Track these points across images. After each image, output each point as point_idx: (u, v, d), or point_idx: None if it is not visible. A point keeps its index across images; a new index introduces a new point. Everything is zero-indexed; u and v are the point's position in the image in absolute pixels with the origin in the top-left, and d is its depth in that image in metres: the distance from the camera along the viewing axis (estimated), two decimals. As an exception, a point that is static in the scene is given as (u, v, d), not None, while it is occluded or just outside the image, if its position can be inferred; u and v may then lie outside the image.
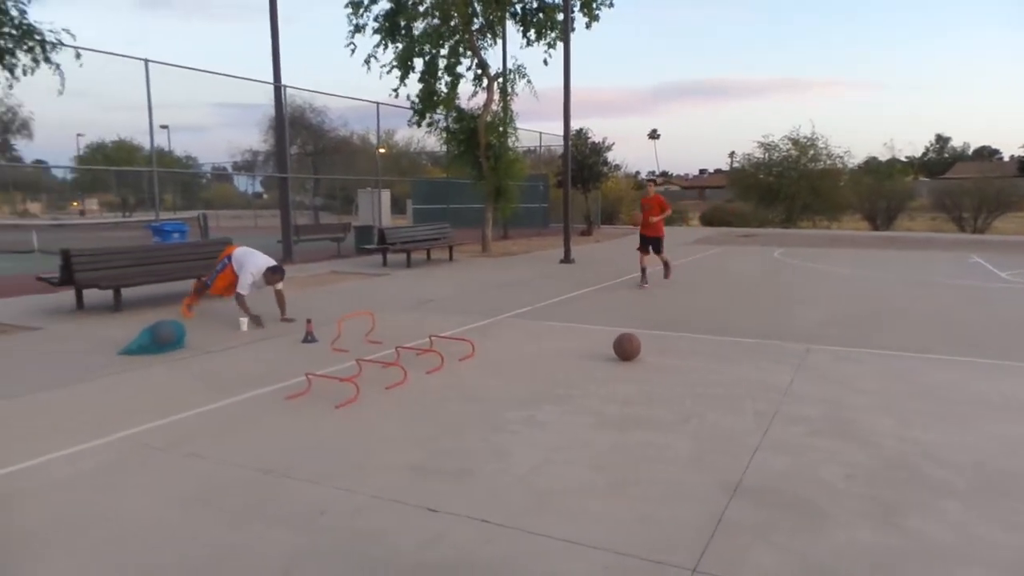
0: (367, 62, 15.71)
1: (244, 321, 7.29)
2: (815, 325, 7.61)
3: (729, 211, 34.88)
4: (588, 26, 16.26)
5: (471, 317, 8.06)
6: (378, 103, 18.02)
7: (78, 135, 37.40)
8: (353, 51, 15.64)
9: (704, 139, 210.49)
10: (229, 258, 7.58)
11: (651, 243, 10.93)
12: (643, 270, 10.80)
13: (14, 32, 7.12)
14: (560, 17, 15.74)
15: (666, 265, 11.31)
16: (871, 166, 39.20)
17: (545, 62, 16.56)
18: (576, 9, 15.61)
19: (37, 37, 7.34)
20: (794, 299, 9.51)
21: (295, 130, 28.29)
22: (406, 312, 8.50)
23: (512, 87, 17.01)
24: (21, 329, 7.39)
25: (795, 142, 34.45)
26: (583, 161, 23.51)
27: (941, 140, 79.06)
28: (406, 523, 3.04)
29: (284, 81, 14.76)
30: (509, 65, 17.16)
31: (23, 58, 7.35)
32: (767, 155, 35.09)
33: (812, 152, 34.20)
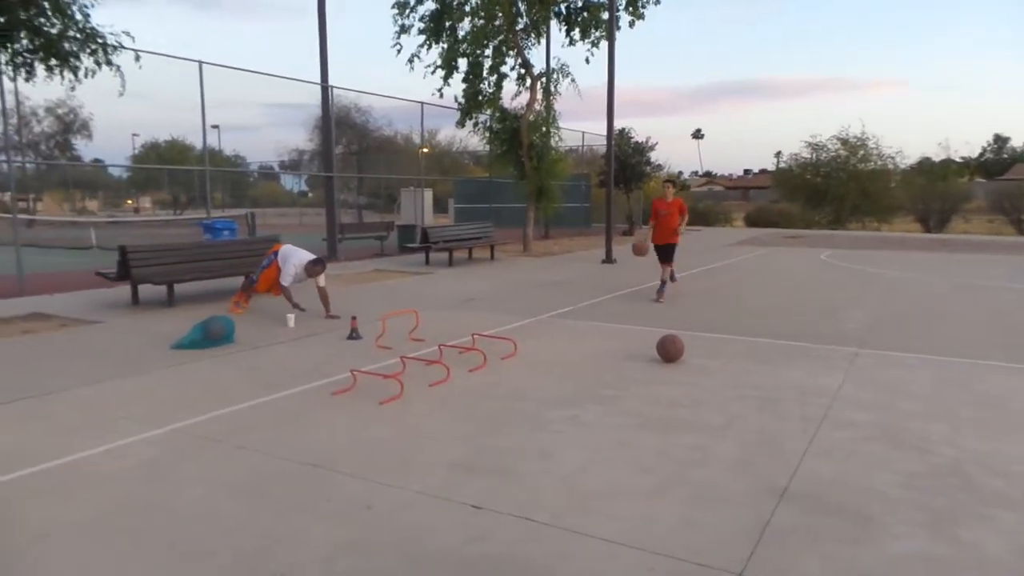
0: (411, 62, 15.89)
1: (291, 317, 7.45)
2: (864, 328, 7.43)
3: (775, 212, 34.23)
4: (631, 25, 16.17)
5: (513, 316, 8.08)
6: (422, 103, 18.18)
7: (133, 135, 38.69)
8: (399, 51, 15.83)
9: (749, 139, 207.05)
10: (275, 254, 7.77)
11: (668, 251, 9.63)
12: (663, 282, 9.56)
13: (78, 36, 7.40)
14: (605, 16, 15.67)
15: (671, 275, 9.90)
16: (924, 166, 38.05)
17: (587, 60, 16.76)
18: (621, 8, 15.51)
19: (100, 40, 7.60)
20: (842, 302, 9.30)
21: (340, 129, 28.74)
22: (448, 310, 8.57)
23: (555, 87, 17.00)
24: (83, 323, 7.68)
25: (844, 142, 33.64)
26: (626, 161, 23.35)
27: (1000, 140, 76.15)
28: (450, 519, 3.08)
29: (331, 82, 15.02)
30: (552, 65, 17.16)
31: (86, 61, 7.63)
32: (815, 155, 34.35)
33: (862, 152, 33.33)
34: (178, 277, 8.73)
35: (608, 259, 14.64)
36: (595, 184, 24.92)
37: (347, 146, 33.57)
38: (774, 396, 4.96)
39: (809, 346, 6.60)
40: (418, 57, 15.82)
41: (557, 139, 17.61)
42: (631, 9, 15.80)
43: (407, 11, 15.52)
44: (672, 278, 9.87)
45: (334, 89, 15.80)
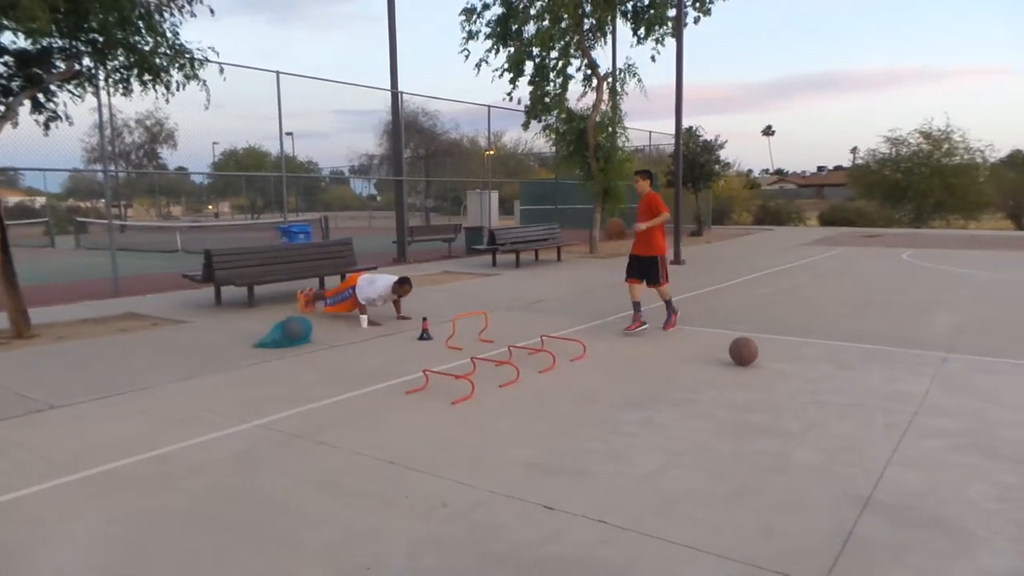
0: (478, 66, 16.06)
1: (364, 319, 7.66)
2: (951, 332, 7.09)
3: (851, 210, 32.94)
4: (697, 21, 15.88)
5: (581, 318, 8.08)
6: (489, 106, 18.37)
7: (214, 143, 40.46)
8: (466, 57, 16.02)
9: (823, 135, 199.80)
10: (352, 289, 7.92)
11: (642, 267, 7.38)
12: (636, 304, 7.37)
13: (169, 52, 7.80)
14: (671, 13, 15.46)
15: (668, 305, 7.46)
16: (1016, 160, 35.86)
17: (653, 59, 16.38)
18: (688, 4, 15.26)
19: (188, 55, 7.99)
20: (926, 303, 8.89)
21: (408, 134, 29.32)
22: (516, 312, 8.64)
23: (622, 86, 16.87)
24: (173, 322, 8.11)
25: (927, 136, 32.09)
26: (694, 160, 22.95)
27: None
28: (524, 519, 3.11)
29: (400, 88, 15.34)
30: (619, 64, 17.06)
31: (176, 75, 8.03)
32: (894, 150, 32.90)
33: (946, 146, 31.72)
34: (258, 279, 9.10)
35: (677, 260, 14.42)
36: (662, 184, 24.58)
37: (415, 150, 34.21)
38: (855, 402, 4.80)
39: (892, 350, 6.34)
40: (486, 62, 15.99)
41: (623, 139, 17.48)
42: (697, 5, 15.53)
43: (474, 17, 15.70)
44: (670, 308, 7.45)
45: (403, 95, 16.16)
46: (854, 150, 70.44)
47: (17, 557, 2.86)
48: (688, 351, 6.38)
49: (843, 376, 5.49)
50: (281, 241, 14.07)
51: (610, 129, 16.78)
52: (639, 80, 16.96)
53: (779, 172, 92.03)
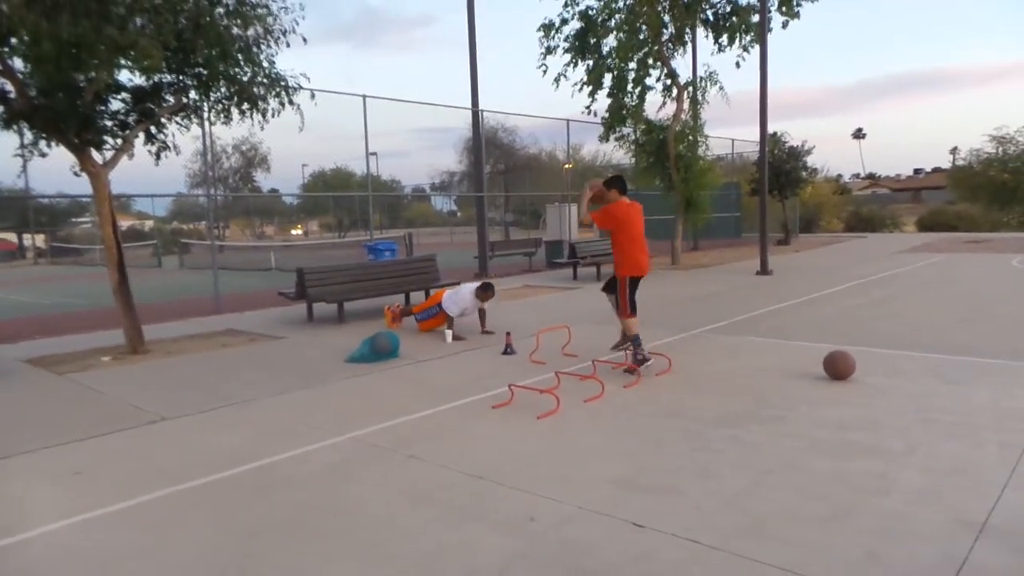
0: (557, 81, 16.17)
1: (449, 333, 7.81)
2: (1073, 346, 6.56)
3: (951, 214, 31.07)
4: (785, 26, 15.44)
5: (665, 331, 7.96)
6: (568, 120, 18.44)
7: (303, 165, 42.36)
8: (545, 72, 16.16)
9: (919, 135, 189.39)
10: (439, 306, 8.12)
11: (611, 284, 6.68)
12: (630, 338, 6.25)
13: (265, 81, 8.26)
14: (755, 19, 15.11)
15: (631, 345, 6.15)
16: None
17: (737, 65, 15.97)
18: (773, 8, 14.87)
19: (282, 83, 8.43)
20: (1043, 315, 8.27)
21: (488, 150, 29.73)
22: (599, 325, 8.59)
23: (702, 95, 16.61)
24: (269, 338, 8.52)
25: (1038, 133, 29.88)
26: (780, 167, 22.26)
27: None
28: (614, 537, 3.10)
29: (480, 106, 15.63)
30: (699, 72, 16.80)
31: (272, 103, 8.48)
32: (1000, 149, 30.79)
33: (1061, 144, 29.45)
34: (347, 296, 9.45)
35: (763, 270, 14.00)
36: (746, 192, 23.94)
37: (494, 165, 34.67)
38: (964, 420, 4.52)
39: (1004, 363, 5.94)
40: (564, 76, 16.08)
41: (705, 148, 17.18)
42: (784, 9, 15.10)
43: (552, 32, 15.84)
44: (633, 350, 6.08)
45: (484, 112, 16.45)
46: (954, 151, 66.51)
47: (132, 562, 3.07)
48: (778, 365, 6.18)
49: (949, 392, 5.18)
50: (368, 258, 14.55)
51: (691, 138, 16.53)
52: (721, 87, 16.66)
53: (871, 176, 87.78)
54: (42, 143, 7.65)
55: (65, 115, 7.17)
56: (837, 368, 5.57)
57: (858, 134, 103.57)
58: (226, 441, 4.63)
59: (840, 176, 38.20)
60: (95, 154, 7.72)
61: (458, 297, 7.96)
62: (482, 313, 8.21)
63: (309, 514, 3.46)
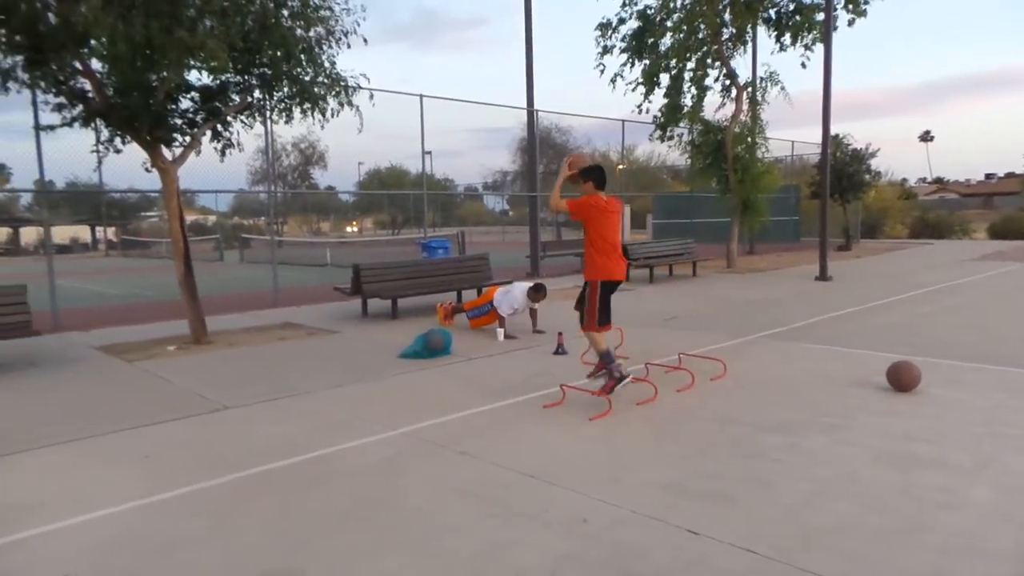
0: (613, 81, 16.06)
1: (501, 332, 7.84)
2: None
3: (1028, 221, 29.56)
4: (851, 24, 14.97)
5: (720, 335, 7.82)
6: (623, 120, 18.28)
7: (359, 163, 43.15)
8: (601, 72, 16.07)
9: (991, 139, 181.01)
10: (490, 304, 8.17)
11: (601, 298, 5.39)
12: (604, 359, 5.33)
13: (326, 81, 8.44)
14: (820, 17, 14.69)
15: (601, 360, 5.32)
16: None
17: (803, 65, 15.54)
18: (839, 6, 14.44)
19: (343, 84, 8.60)
20: None
21: (541, 149, 29.72)
22: (651, 328, 8.50)
23: (762, 95, 16.25)
24: (325, 332, 8.71)
25: (1125, 136, 28.21)
26: (842, 169, 21.60)
27: None
28: (667, 542, 3.06)
29: (535, 105, 15.63)
30: (760, 72, 16.43)
31: (332, 102, 8.67)
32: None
33: None
34: (401, 292, 9.58)
35: (823, 276, 13.61)
36: (806, 196, 23.34)
37: (547, 165, 34.63)
38: (1039, 437, 4.31)
39: (1084, 380, 5.63)
40: (620, 76, 15.96)
41: (764, 150, 16.81)
42: (851, 6, 14.64)
43: (609, 32, 15.74)
44: (604, 367, 5.28)
45: (538, 112, 16.45)
46: (1030, 154, 63.33)
47: (190, 546, 3.18)
48: (838, 373, 6.00)
49: (1020, 407, 4.94)
50: (422, 256, 14.73)
51: (749, 140, 16.19)
52: (782, 88, 16.26)
53: (938, 180, 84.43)
54: (117, 140, 8.00)
55: (139, 113, 7.47)
56: (901, 379, 5.38)
57: (925, 137, 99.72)
58: (284, 431, 4.75)
59: (905, 180, 36.83)
60: (165, 151, 8.03)
61: (510, 297, 7.98)
62: (533, 313, 8.22)
63: (361, 507, 3.53)
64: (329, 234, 40.25)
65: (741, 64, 43.07)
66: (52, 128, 7.83)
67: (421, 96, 13.27)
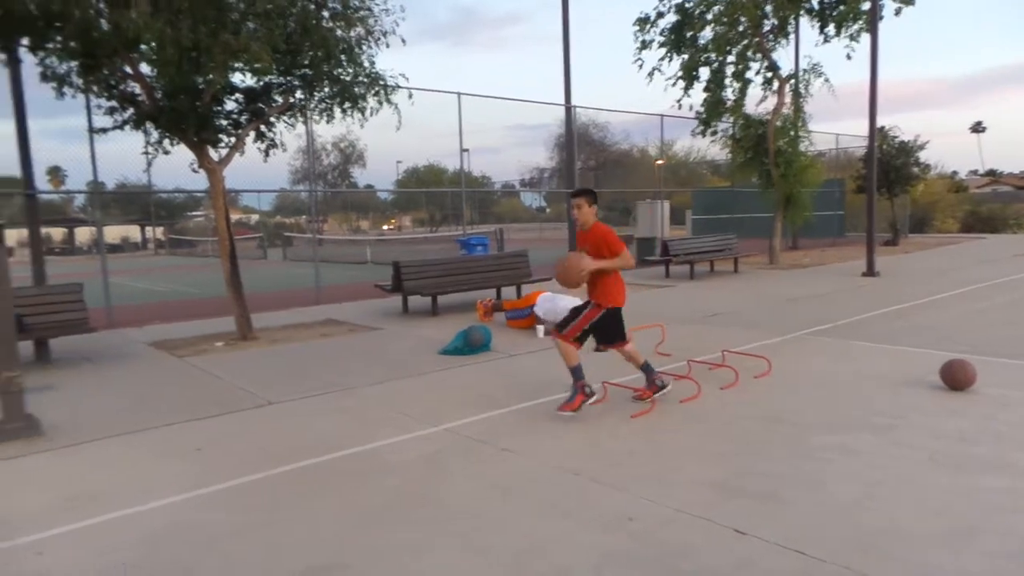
0: (651, 75, 15.88)
1: (541, 328, 7.83)
2: None
3: (1088, 214, 28.39)
4: (898, 12, 14.55)
5: (763, 333, 7.67)
6: (662, 115, 18.09)
7: (397, 162, 43.56)
8: (640, 66, 15.91)
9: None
10: (531, 309, 8.15)
11: (596, 325, 5.00)
12: (574, 370, 4.96)
13: (366, 80, 8.54)
14: (866, 6, 14.30)
15: (647, 371, 5.17)
16: None
17: (848, 56, 15.16)
18: (886, -6, 14.02)
19: (382, 83, 8.69)
20: None
21: (579, 146, 29.61)
22: (693, 325, 8.39)
23: (805, 88, 15.90)
24: (367, 328, 8.82)
25: None
26: (889, 162, 21.01)
27: None
28: (714, 541, 3.01)
29: (573, 101, 15.56)
30: (802, 65, 16.08)
31: (371, 101, 8.76)
32: None
33: None
34: (441, 289, 9.64)
35: (870, 271, 13.26)
36: (851, 189, 22.76)
37: (585, 161, 34.47)
38: (1106, 438, 4.13)
39: None
40: (659, 70, 15.78)
41: (807, 143, 16.45)
42: (900, -7, 14.21)
43: (648, 26, 15.57)
44: (650, 374, 5.16)
45: (576, 108, 16.37)
46: (1091, 144, 60.72)
47: (236, 539, 3.24)
48: (888, 372, 5.84)
49: (1087, 408, 4.74)
50: (460, 253, 14.79)
51: (792, 133, 15.86)
52: (826, 80, 15.89)
53: (991, 173, 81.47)
54: (166, 142, 8.21)
55: (186, 115, 7.65)
56: (956, 377, 5.21)
57: (977, 128, 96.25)
58: (328, 426, 4.82)
59: (955, 173, 35.63)
60: (211, 152, 8.21)
61: (555, 308, 7.89)
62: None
63: (405, 503, 3.56)
64: (368, 232, 40.75)
65: (783, 56, 42.25)
66: (105, 131, 8.08)
67: (459, 94, 13.32)
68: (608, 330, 5.04)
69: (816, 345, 7.07)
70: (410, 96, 9.40)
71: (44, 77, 7.47)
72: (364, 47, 8.50)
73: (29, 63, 7.83)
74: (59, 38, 7.04)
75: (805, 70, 15.86)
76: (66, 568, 2.99)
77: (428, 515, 3.39)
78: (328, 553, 3.04)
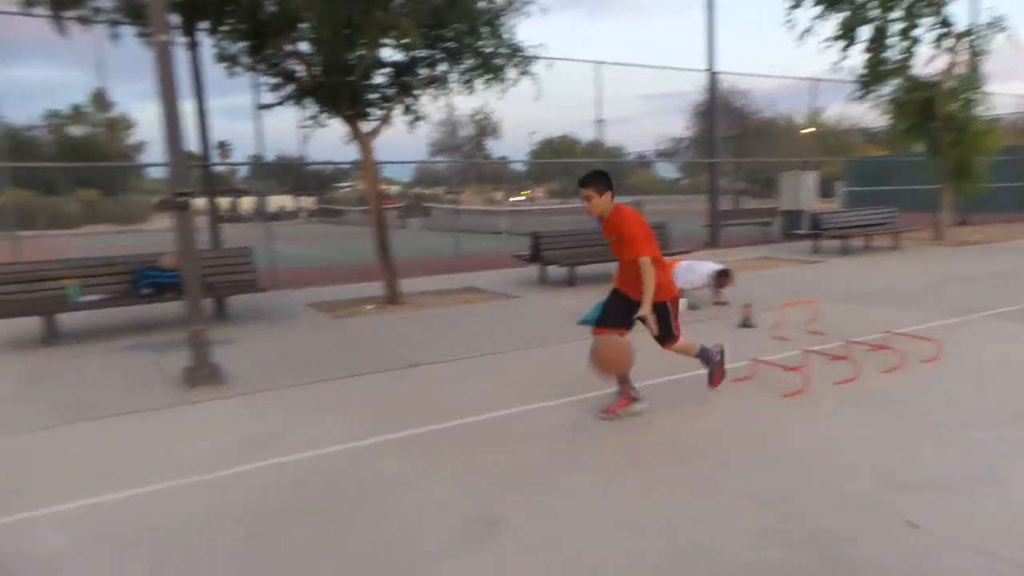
0: (803, 36, 14.80)
1: (682, 302, 7.62)
2: None
3: None
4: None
5: (929, 314, 7.05)
6: (814, 79, 16.90)
7: (531, 133, 43.81)
8: (791, 27, 14.88)
9: None
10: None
11: (629, 312, 4.46)
12: (623, 383, 4.43)
13: (506, 51, 8.60)
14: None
15: (705, 358, 4.69)
16: None
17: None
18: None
19: (522, 54, 8.71)
20: None
21: (720, 114, 28.39)
22: (847, 303, 7.86)
23: (985, 45, 14.20)
24: (506, 297, 9.01)
25: None
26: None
27: None
28: (878, 532, 2.83)
29: (716, 67, 14.87)
30: (982, 19, 14.36)
31: (511, 73, 8.81)
32: None
33: None
34: (579, 260, 9.63)
35: (1058, 251, 11.78)
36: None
37: (725, 131, 32.96)
38: None
39: None
40: (812, 31, 14.68)
41: (984, 107, 14.76)
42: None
43: (802, -18, 14.48)
44: (710, 361, 4.67)
45: (719, 75, 15.64)
46: None
47: (395, 488, 3.43)
48: (1086, 362, 5.19)
49: None
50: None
51: (966, 97, 14.28)
52: (1010, 35, 14.11)
53: None
54: (322, 116, 8.70)
55: (340, 90, 8.07)
56: None
57: None
58: (474, 389, 4.98)
59: None
60: (361, 124, 8.61)
61: (693, 275, 7.70)
62: (717, 285, 7.89)
63: (551, 466, 3.62)
64: (502, 203, 41.40)
65: (959, 10, 37.99)
66: (270, 106, 8.69)
67: (597, 63, 13.11)
68: (663, 325, 4.37)
69: (996, 328, 6.41)
70: (550, 66, 9.37)
71: (219, 58, 8.13)
72: (505, 18, 8.55)
73: (203, 47, 8.58)
74: (231, 21, 7.62)
75: (985, 25, 14.17)
76: (245, 501, 3.31)
77: (571, 482, 3.42)
78: (481, 508, 3.16)
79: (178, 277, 6.80)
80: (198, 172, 10.27)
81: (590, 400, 4.64)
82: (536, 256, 9.68)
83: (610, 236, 4.46)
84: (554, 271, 10.12)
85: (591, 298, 7.84)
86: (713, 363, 4.70)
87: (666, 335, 4.43)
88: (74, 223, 32.39)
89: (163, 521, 3.14)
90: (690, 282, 7.67)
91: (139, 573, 2.76)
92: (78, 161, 35.61)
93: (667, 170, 51.62)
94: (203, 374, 5.21)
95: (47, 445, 4.15)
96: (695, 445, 3.83)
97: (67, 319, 7.48)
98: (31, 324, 7.13)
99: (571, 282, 9.53)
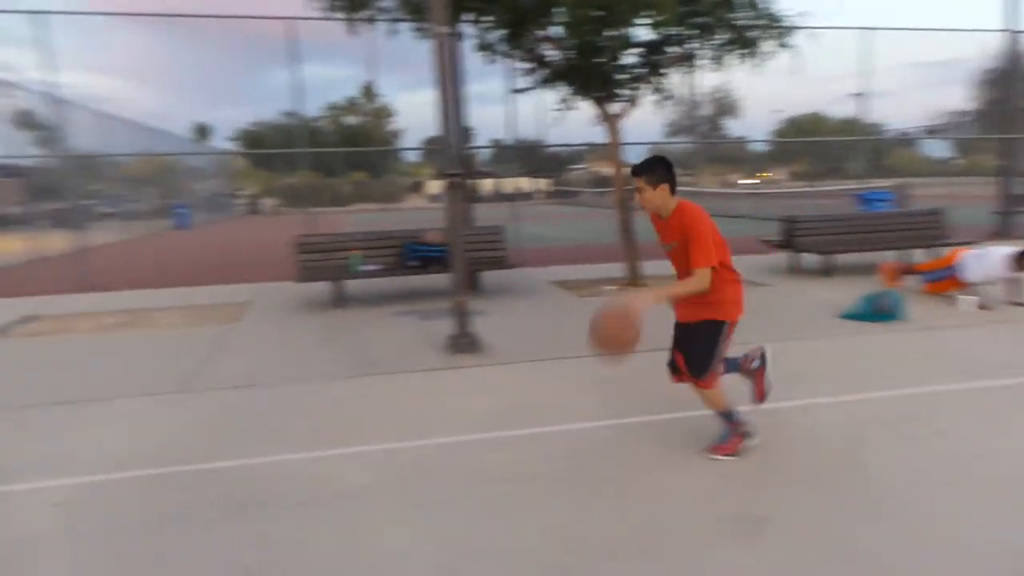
0: None
1: (969, 300, 6.66)
2: None
3: None
4: None
5: None
6: None
7: (775, 111, 40.93)
8: None
9: None
10: (951, 268, 6.96)
11: (683, 346, 3.62)
12: (725, 412, 3.63)
13: (763, 22, 8.07)
14: None
15: (729, 420, 3.57)
16: None
17: None
18: None
19: (779, 24, 8.12)
20: None
21: (1013, 81, 24.17)
22: None
23: None
24: (755, 284, 8.56)
25: None
26: None
27: None
28: None
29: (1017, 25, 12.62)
30: None
31: (767, 46, 8.27)
32: None
33: None
34: (837, 248, 8.84)
35: None
36: None
37: (1016, 102, 27.99)
38: None
39: None
40: None
41: None
42: None
43: None
44: (732, 424, 3.59)
45: (1021, 34, 13.29)
46: None
47: (701, 466, 3.41)
48: None
49: None
50: (857, 209, 13.37)
51: None
52: None
53: None
54: (572, 99, 8.90)
55: (592, 72, 8.17)
56: None
57: None
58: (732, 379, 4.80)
59: None
60: (609, 106, 8.66)
61: (984, 263, 6.67)
62: (1013, 282, 6.77)
63: (822, 467, 3.38)
64: (737, 185, 39.35)
65: None
66: (523, 91, 9.08)
67: (866, 29, 11.81)
68: (696, 352, 3.52)
69: None
70: (811, 35, 8.63)
71: (480, 47, 8.65)
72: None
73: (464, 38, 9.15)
74: (494, 13, 8.05)
75: None
76: (526, 463, 3.53)
77: (849, 482, 3.17)
78: (746, 503, 3.05)
79: (443, 251, 7.45)
80: (455, 155, 11.08)
81: (864, 402, 4.25)
82: (788, 242, 9.05)
83: (670, 241, 3.51)
84: (806, 259, 9.39)
85: (847, 290, 7.23)
86: (753, 372, 3.84)
87: (702, 366, 3.49)
88: (347, 202, 37.07)
89: (456, 470, 3.47)
90: (984, 274, 6.65)
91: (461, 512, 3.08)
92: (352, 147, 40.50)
93: (936, 148, 45.30)
94: (465, 342, 5.65)
95: (345, 394, 4.79)
96: (990, 467, 3.33)
97: (347, 285, 8.57)
98: (320, 288, 8.27)
99: (826, 272, 8.77)
